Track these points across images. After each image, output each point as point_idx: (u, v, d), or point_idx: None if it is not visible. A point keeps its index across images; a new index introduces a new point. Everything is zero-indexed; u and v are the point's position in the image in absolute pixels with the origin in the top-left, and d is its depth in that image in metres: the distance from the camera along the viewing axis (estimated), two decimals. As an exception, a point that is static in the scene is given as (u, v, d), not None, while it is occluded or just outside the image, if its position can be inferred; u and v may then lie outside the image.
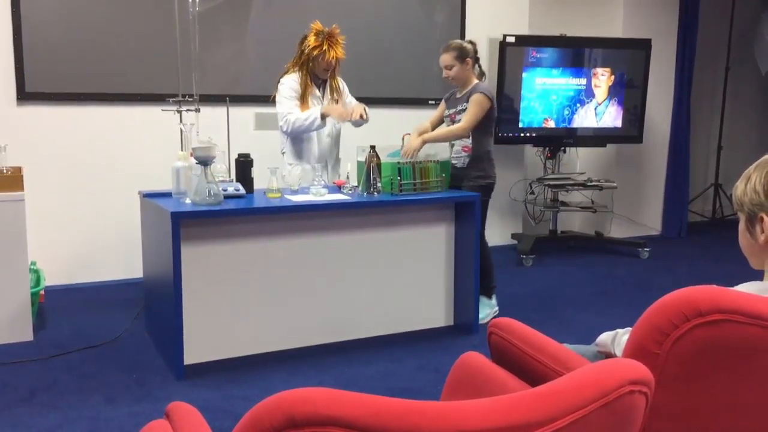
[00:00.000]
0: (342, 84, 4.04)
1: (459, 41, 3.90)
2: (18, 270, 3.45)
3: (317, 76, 3.89)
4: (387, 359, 3.33)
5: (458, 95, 3.93)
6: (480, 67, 3.97)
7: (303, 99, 3.83)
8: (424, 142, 3.75)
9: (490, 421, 0.89)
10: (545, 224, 6.05)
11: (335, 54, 3.78)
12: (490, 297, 3.94)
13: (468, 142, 3.86)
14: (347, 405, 0.84)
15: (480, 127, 3.82)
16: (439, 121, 4.05)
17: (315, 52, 3.76)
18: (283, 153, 4.01)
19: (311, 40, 3.77)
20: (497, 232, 5.89)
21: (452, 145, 3.91)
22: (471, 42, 3.91)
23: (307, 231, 3.37)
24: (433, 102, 4.30)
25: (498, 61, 5.43)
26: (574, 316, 4.04)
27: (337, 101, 3.96)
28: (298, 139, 3.91)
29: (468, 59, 3.82)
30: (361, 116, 3.76)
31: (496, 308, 3.98)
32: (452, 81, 3.91)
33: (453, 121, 3.91)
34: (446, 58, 3.84)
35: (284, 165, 3.95)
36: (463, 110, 3.82)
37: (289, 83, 3.83)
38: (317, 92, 3.91)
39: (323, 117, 3.74)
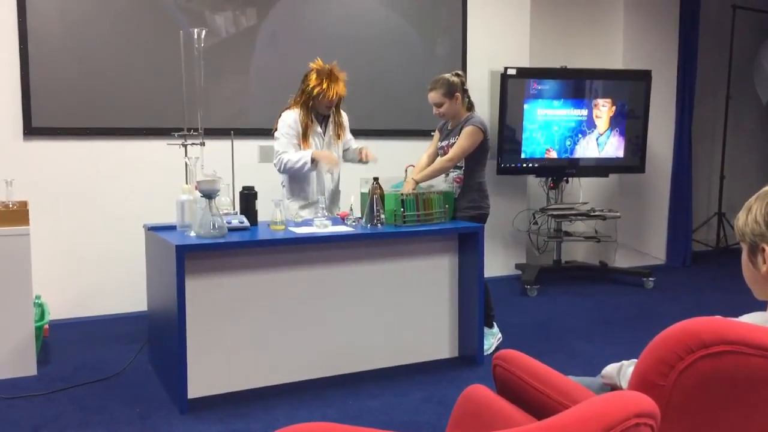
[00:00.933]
0: (345, 119, 4.09)
1: (445, 76, 3.84)
2: (22, 304, 3.45)
3: (319, 112, 3.94)
4: (391, 392, 3.31)
5: (450, 127, 3.94)
6: (469, 98, 3.93)
7: (305, 137, 3.88)
8: (417, 184, 3.78)
9: (495, 456, 0.89)
10: (549, 254, 6.04)
11: (336, 92, 3.82)
12: (490, 326, 3.92)
13: (460, 173, 3.88)
14: (352, 440, 0.84)
15: (472, 158, 3.84)
16: (436, 153, 4.03)
17: (316, 91, 3.80)
18: (283, 186, 4.04)
19: (312, 79, 3.80)
20: (501, 263, 5.89)
21: (447, 176, 3.93)
22: (457, 74, 3.87)
23: (311, 263, 3.38)
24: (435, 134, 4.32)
25: (499, 93, 5.47)
26: (579, 347, 4.02)
27: (339, 136, 4.01)
28: (296, 175, 3.95)
29: (457, 94, 3.80)
30: (362, 159, 4.00)
31: (499, 335, 3.96)
32: (443, 117, 3.92)
33: (445, 154, 3.92)
34: (434, 96, 3.82)
35: (283, 198, 3.99)
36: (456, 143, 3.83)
37: (288, 120, 3.87)
38: (318, 129, 3.94)
39: (314, 161, 3.78)
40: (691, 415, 1.23)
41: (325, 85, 3.79)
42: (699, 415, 1.24)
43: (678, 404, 1.22)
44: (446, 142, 3.93)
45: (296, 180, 3.98)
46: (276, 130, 3.92)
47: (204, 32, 3.72)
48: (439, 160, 3.86)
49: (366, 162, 4.03)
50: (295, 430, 0.86)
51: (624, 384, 1.60)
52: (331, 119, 4.00)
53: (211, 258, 3.16)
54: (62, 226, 4.46)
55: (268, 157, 4.90)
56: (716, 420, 1.25)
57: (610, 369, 1.70)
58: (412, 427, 2.92)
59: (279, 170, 3.91)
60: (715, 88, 6.91)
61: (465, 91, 3.88)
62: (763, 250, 1.41)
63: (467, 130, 3.77)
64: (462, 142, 3.77)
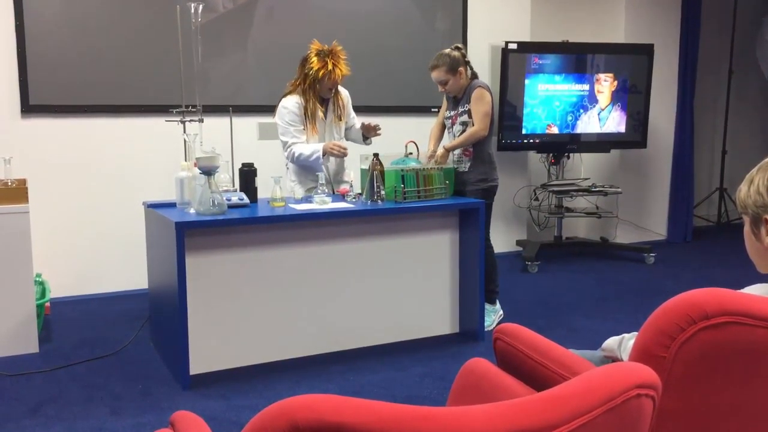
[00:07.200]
0: (345, 94, 3.97)
1: (446, 52, 3.79)
2: (23, 282, 3.45)
3: (321, 95, 3.80)
4: (392, 367, 3.32)
5: (458, 97, 3.90)
6: (471, 68, 3.88)
7: (312, 123, 3.77)
8: (448, 152, 3.77)
9: (495, 426, 0.88)
10: (550, 230, 6.03)
11: (341, 72, 3.69)
12: (493, 302, 3.92)
13: (469, 146, 3.85)
14: (351, 411, 0.84)
15: None
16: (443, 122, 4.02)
17: (321, 73, 3.64)
18: (288, 168, 3.96)
19: (314, 62, 3.64)
20: (502, 239, 5.88)
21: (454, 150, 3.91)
22: (457, 47, 3.83)
23: (311, 240, 3.37)
24: (436, 110, 4.29)
25: (500, 68, 5.43)
26: (579, 322, 4.03)
27: (340, 117, 3.90)
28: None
29: (460, 68, 3.77)
30: (367, 135, 3.90)
31: (501, 312, 3.97)
32: (450, 94, 3.89)
33: (454, 124, 3.90)
34: (438, 74, 3.78)
35: (287, 180, 3.93)
36: (465, 111, 3.81)
37: (291, 107, 3.72)
38: (320, 113, 3.81)
39: (325, 154, 3.70)
40: (693, 386, 1.23)
41: (330, 66, 3.63)
42: (701, 386, 1.23)
43: (679, 375, 1.21)
44: (454, 111, 3.90)
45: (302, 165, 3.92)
46: (276, 117, 3.78)
47: (201, 7, 3.68)
48: (472, 129, 3.77)
49: (369, 140, 3.96)
50: (295, 403, 0.85)
51: (625, 356, 1.60)
52: (331, 101, 3.87)
53: (211, 235, 3.16)
54: (62, 204, 4.45)
55: (268, 134, 4.88)
56: (718, 391, 1.24)
57: (611, 342, 1.69)
58: (412, 401, 2.92)
59: (290, 161, 3.80)
60: (717, 62, 6.86)
61: (467, 63, 3.85)
62: (766, 221, 1.39)
63: (476, 94, 3.74)
64: (478, 106, 3.74)
